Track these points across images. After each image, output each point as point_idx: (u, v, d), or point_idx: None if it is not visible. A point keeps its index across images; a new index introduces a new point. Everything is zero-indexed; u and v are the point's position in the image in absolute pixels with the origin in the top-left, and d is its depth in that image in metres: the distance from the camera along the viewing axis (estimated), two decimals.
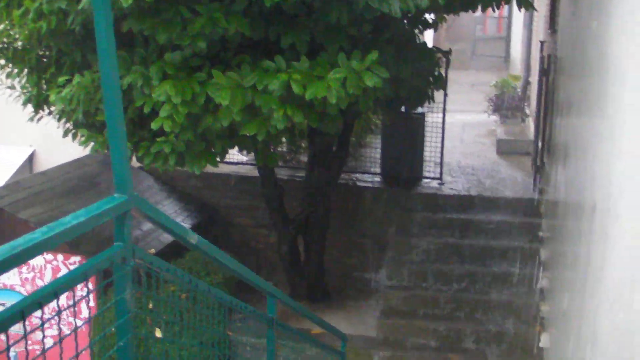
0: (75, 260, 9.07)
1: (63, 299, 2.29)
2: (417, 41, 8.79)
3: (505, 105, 15.93)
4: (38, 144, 13.59)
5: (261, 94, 6.69)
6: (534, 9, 10.04)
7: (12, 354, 7.75)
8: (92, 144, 8.03)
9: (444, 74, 9.63)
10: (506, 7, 15.86)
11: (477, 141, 15.10)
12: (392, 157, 12.00)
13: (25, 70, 8.54)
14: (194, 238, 3.09)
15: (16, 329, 2.16)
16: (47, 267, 9.22)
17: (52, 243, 2.14)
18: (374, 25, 7.47)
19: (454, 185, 11.88)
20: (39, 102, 8.57)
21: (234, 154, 11.56)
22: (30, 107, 8.73)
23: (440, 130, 12.17)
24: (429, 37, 19.39)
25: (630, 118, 4.26)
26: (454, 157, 13.33)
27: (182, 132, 7.08)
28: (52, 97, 7.76)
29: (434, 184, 11.93)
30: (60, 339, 2.26)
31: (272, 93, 6.62)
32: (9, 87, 8.95)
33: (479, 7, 8.57)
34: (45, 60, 8.46)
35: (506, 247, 10.55)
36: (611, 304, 4.56)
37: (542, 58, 11.43)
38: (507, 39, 24.16)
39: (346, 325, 9.60)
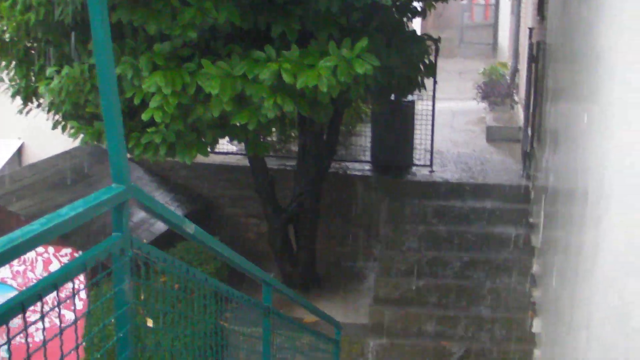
0: (66, 252, 9.04)
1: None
2: (406, 29, 8.79)
3: (494, 92, 15.97)
4: (27, 136, 13.52)
5: (251, 84, 6.68)
6: None
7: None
8: (81, 135, 8.01)
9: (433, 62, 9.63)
10: None
11: (467, 128, 15.14)
12: (382, 145, 12.01)
13: (14, 63, 8.48)
14: (190, 227, 3.08)
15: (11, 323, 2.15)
16: (38, 260, 9.19)
17: (50, 234, 2.13)
18: (363, 13, 7.46)
19: (445, 172, 11.91)
20: (27, 94, 8.54)
21: (224, 144, 11.54)
22: (19, 100, 8.68)
23: (430, 118, 12.19)
24: (416, 25, 19.35)
25: (622, 106, 4.28)
26: (444, 145, 13.35)
27: (173, 123, 7.07)
28: (41, 89, 7.72)
29: (425, 171, 11.95)
30: (60, 330, 2.25)
31: (262, 83, 6.61)
32: None
33: None
34: (33, 52, 8.42)
35: (497, 233, 10.58)
36: (605, 290, 4.58)
37: (530, 45, 11.44)
38: (495, 27, 24.18)
39: (339, 313, 9.61)
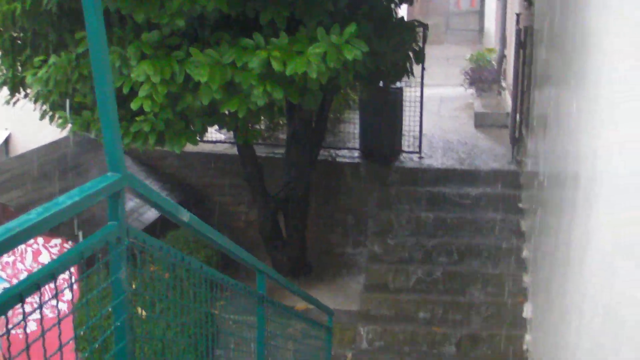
0: (56, 242, 9.01)
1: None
2: (394, 15, 8.77)
3: (481, 78, 15.99)
4: (14, 127, 13.45)
5: (240, 71, 6.66)
6: None
7: None
8: (69, 125, 7.97)
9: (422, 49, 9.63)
10: None
11: (455, 115, 15.16)
12: (371, 132, 12.00)
13: (0, 53, 8.42)
14: (185, 215, 3.07)
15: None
16: (27, 251, 9.15)
17: (48, 224, 2.11)
18: (352, 0, 7.45)
19: (433, 158, 11.93)
20: (14, 84, 8.47)
21: (212, 133, 11.52)
22: (5, 90, 8.62)
23: (418, 105, 12.19)
24: (403, 12, 19.34)
25: (612, 91, 4.29)
26: (432, 131, 13.37)
27: (162, 111, 7.04)
28: (28, 79, 7.67)
29: (413, 158, 11.96)
30: (59, 321, 2.25)
31: (251, 70, 6.60)
32: None
33: None
34: (20, 42, 8.35)
35: (487, 219, 10.61)
36: (596, 276, 4.60)
37: (518, 31, 11.45)
38: (481, 13, 24.19)
39: (329, 300, 9.63)
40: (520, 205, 10.51)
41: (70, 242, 8.82)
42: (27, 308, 2.14)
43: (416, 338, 9.55)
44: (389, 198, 11.14)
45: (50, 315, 2.22)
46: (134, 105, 6.82)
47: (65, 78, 7.37)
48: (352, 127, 12.72)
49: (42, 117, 8.37)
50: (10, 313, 2.04)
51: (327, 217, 11.73)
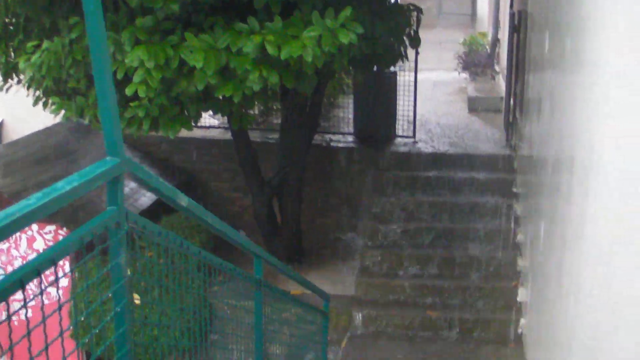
0: (51, 229, 8.98)
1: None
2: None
3: (474, 62, 15.97)
4: (6, 113, 13.40)
5: (235, 56, 6.64)
6: None
7: None
8: (63, 111, 7.93)
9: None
10: None
11: (449, 99, 15.15)
12: (365, 117, 12.00)
13: None
14: (184, 200, 3.07)
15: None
16: (22, 238, 9.12)
17: (47, 209, 2.11)
18: None
19: (427, 143, 11.92)
20: (7, 70, 8.44)
21: (206, 118, 11.49)
22: None
23: (412, 89, 12.17)
24: None
25: (608, 73, 4.28)
26: (426, 116, 13.36)
27: (156, 97, 7.01)
28: (21, 64, 7.63)
29: (408, 142, 11.96)
30: (59, 306, 2.24)
31: (246, 55, 6.57)
32: None
33: None
34: (12, 28, 8.30)
35: (481, 203, 10.63)
36: (593, 257, 4.60)
37: (512, 14, 11.43)
38: None
39: (325, 284, 9.62)
40: (514, 189, 10.52)
41: (64, 229, 8.80)
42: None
43: (411, 322, 9.58)
44: (383, 182, 11.14)
45: (46, 302, 2.20)
46: (129, 91, 6.79)
47: (59, 63, 7.33)
48: (346, 111, 12.71)
49: (35, 103, 8.34)
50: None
51: (322, 201, 11.73)
